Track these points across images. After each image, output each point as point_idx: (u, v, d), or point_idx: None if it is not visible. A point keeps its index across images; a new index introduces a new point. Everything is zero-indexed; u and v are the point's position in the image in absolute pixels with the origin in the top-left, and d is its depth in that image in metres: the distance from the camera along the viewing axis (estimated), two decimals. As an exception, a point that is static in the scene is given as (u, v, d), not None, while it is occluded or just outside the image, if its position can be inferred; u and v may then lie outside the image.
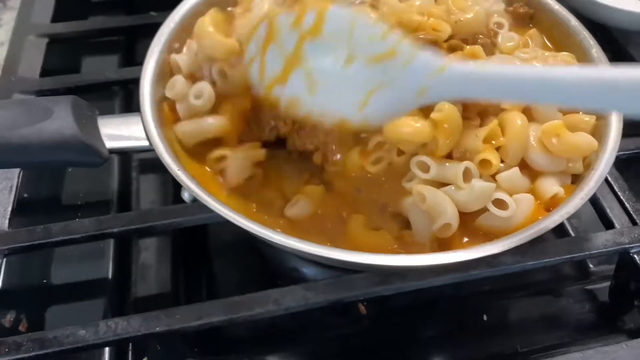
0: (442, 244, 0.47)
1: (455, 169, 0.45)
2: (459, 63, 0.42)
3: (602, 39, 0.71)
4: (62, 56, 0.76)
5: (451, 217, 0.45)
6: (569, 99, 0.38)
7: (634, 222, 0.54)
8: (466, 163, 0.45)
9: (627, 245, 0.51)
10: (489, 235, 0.45)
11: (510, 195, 0.46)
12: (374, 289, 0.48)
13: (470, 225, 0.47)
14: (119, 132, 0.48)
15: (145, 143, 0.48)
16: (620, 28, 0.77)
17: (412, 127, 0.45)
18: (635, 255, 0.51)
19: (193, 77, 0.53)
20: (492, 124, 0.47)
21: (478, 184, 0.45)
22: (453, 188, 0.46)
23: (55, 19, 0.76)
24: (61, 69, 0.72)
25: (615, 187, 0.56)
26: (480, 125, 0.48)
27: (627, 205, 0.55)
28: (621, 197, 0.55)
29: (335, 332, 0.56)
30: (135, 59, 0.77)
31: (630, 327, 0.55)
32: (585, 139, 0.49)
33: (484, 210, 0.46)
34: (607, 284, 0.58)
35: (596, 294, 0.59)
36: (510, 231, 0.45)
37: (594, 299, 0.59)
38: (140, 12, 0.79)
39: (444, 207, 0.45)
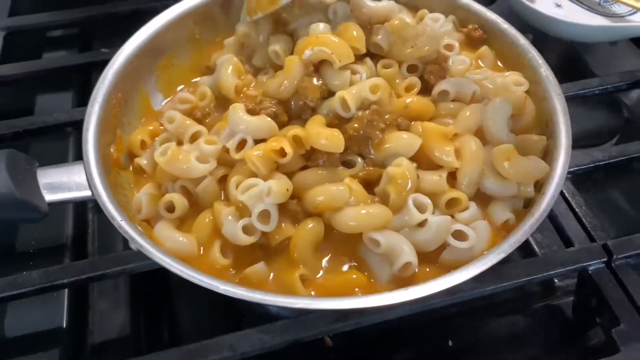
0: (404, 280, 0.46)
1: (406, 212, 0.45)
2: None
3: (562, 52, 0.72)
4: (13, 97, 0.74)
5: (410, 255, 0.44)
6: None
7: (591, 239, 0.54)
8: (415, 196, 0.45)
9: (585, 264, 0.51)
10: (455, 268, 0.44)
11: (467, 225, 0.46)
12: (332, 326, 0.47)
13: (435, 263, 0.46)
14: (60, 183, 0.47)
15: (88, 193, 0.46)
16: (576, 41, 0.78)
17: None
18: (593, 273, 0.51)
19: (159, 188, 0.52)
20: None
21: (434, 219, 0.45)
22: (408, 230, 0.46)
23: (6, 58, 0.74)
24: (12, 109, 0.70)
25: (572, 204, 0.56)
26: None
27: (585, 222, 0.55)
28: (578, 214, 0.55)
29: (303, 367, 0.55)
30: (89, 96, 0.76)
31: (594, 343, 0.55)
32: (536, 164, 0.48)
33: (445, 246, 0.46)
34: (571, 298, 0.57)
35: (562, 309, 0.59)
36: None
37: (560, 314, 0.58)
38: (93, 48, 0.78)
39: (400, 247, 0.44)
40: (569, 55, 0.82)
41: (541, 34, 0.75)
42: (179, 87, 0.62)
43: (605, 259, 0.52)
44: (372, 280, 0.46)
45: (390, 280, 0.45)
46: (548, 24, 0.75)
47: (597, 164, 0.59)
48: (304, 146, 0.48)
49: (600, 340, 0.54)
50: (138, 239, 0.44)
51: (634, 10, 0.74)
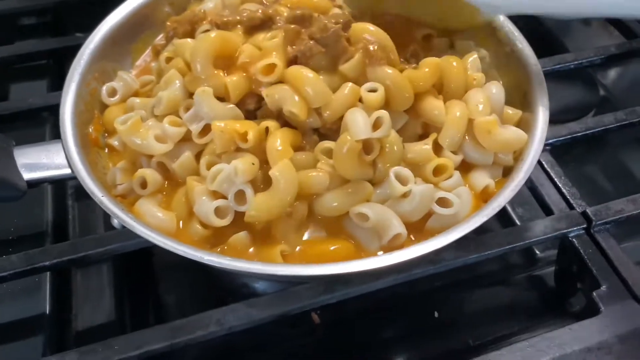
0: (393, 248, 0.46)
1: (388, 185, 0.45)
2: None
3: (536, 29, 0.73)
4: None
5: (399, 227, 0.44)
6: None
7: (571, 207, 0.55)
8: (396, 169, 0.45)
9: (566, 230, 0.52)
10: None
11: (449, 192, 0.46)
12: (318, 298, 0.47)
13: (421, 231, 0.46)
14: (39, 162, 0.46)
15: (67, 171, 0.46)
16: (552, 18, 0.78)
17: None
18: (574, 240, 0.52)
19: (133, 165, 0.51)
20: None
21: (417, 188, 0.45)
22: (391, 201, 0.46)
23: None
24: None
25: (551, 174, 0.57)
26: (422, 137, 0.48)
27: (564, 191, 0.56)
28: (557, 183, 0.56)
29: (290, 343, 0.55)
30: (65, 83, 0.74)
31: (576, 309, 0.56)
32: (516, 134, 0.49)
33: (430, 214, 0.46)
34: (553, 268, 0.58)
35: (544, 279, 0.60)
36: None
37: (542, 284, 0.59)
38: (67, 33, 0.76)
39: (389, 219, 0.44)
40: (545, 36, 0.83)
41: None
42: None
43: (585, 226, 0.52)
44: (361, 251, 0.46)
45: (378, 251, 0.45)
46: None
47: (575, 135, 0.60)
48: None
49: (581, 306, 0.55)
50: (120, 214, 0.43)
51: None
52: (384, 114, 0.45)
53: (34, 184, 0.46)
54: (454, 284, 0.59)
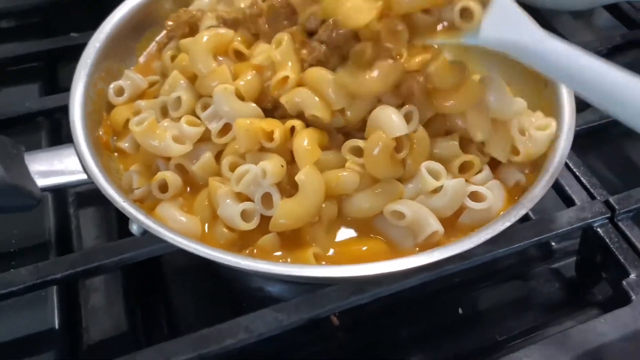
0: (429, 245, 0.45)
1: (420, 178, 0.44)
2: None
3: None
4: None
5: (436, 225, 0.43)
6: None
7: (592, 197, 0.54)
8: (427, 164, 0.44)
9: (590, 220, 0.52)
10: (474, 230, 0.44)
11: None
12: (348, 299, 0.46)
13: (453, 227, 0.45)
14: (51, 168, 0.43)
15: (83, 176, 0.43)
16: (550, 9, 0.79)
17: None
18: (598, 229, 0.52)
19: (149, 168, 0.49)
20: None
21: (449, 183, 0.44)
22: (423, 197, 0.44)
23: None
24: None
25: (570, 164, 0.57)
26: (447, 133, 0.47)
27: (584, 181, 0.55)
28: (577, 174, 0.56)
29: (311, 349, 0.53)
30: (58, 86, 0.71)
31: (600, 299, 0.55)
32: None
33: (463, 209, 0.45)
34: (570, 259, 0.58)
35: (562, 271, 0.59)
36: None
37: (561, 276, 0.59)
38: (58, 34, 0.73)
39: (425, 217, 0.43)
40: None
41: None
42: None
43: (608, 215, 0.52)
44: (394, 250, 0.44)
45: (414, 249, 0.44)
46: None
47: (591, 125, 0.59)
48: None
49: (606, 296, 0.55)
50: (144, 220, 0.41)
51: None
52: (412, 108, 0.44)
53: (48, 190, 0.43)
54: (473, 280, 0.58)
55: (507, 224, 0.41)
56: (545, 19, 0.82)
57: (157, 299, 0.56)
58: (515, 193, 0.47)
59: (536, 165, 0.48)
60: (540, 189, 0.43)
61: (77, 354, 0.51)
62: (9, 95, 0.71)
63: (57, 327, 0.52)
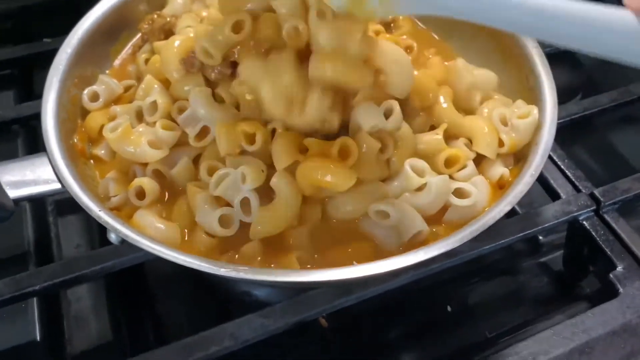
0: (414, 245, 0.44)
1: (404, 176, 0.44)
2: None
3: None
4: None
5: (421, 224, 0.43)
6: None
7: (577, 190, 0.54)
8: (411, 161, 0.43)
9: (576, 213, 0.51)
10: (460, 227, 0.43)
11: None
12: (335, 302, 0.45)
13: (439, 223, 0.45)
14: (24, 178, 0.42)
15: (57, 185, 0.42)
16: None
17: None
18: (584, 222, 0.52)
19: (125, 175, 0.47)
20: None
21: (433, 180, 0.43)
22: (408, 195, 0.44)
23: None
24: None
25: (554, 157, 0.56)
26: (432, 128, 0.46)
27: (568, 174, 0.55)
28: (562, 167, 0.56)
29: (299, 352, 0.53)
30: (34, 92, 0.70)
31: (588, 292, 0.55)
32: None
33: (448, 206, 0.45)
34: (558, 253, 0.58)
35: (550, 265, 0.59)
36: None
37: (549, 270, 0.59)
38: (32, 40, 0.71)
39: (411, 217, 0.42)
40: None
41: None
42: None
43: (594, 207, 0.52)
44: (380, 251, 0.44)
45: (399, 249, 0.43)
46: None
47: (573, 117, 0.59)
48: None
49: (594, 289, 0.55)
50: (121, 229, 0.40)
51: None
52: (393, 103, 0.43)
53: (21, 201, 0.42)
54: (460, 276, 0.58)
55: (491, 221, 0.41)
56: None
57: (142, 307, 0.56)
58: (499, 188, 0.46)
59: (519, 158, 0.48)
60: (524, 183, 0.43)
61: (60, 366, 0.50)
62: (-16, 103, 0.70)
63: (38, 339, 0.50)
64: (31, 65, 0.71)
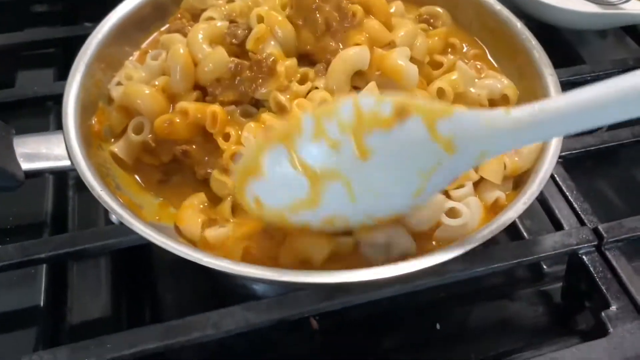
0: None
1: None
2: (519, 109, 0.37)
3: (553, 40, 0.72)
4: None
5: (408, 247, 0.43)
6: None
7: (582, 223, 0.53)
8: None
9: (576, 247, 0.51)
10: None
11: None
12: (318, 305, 0.46)
13: (429, 240, 0.45)
14: (38, 152, 0.45)
15: (67, 163, 0.44)
16: (568, 28, 0.77)
17: None
18: (583, 257, 0.51)
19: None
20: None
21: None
22: None
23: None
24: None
25: (563, 187, 0.56)
26: None
27: (575, 205, 0.54)
28: (569, 197, 0.55)
29: (287, 350, 0.54)
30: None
31: (583, 327, 0.54)
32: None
33: (438, 225, 0.45)
34: (559, 285, 0.57)
35: (551, 295, 0.58)
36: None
37: (548, 300, 0.58)
38: (77, 23, 0.75)
39: (399, 237, 0.43)
40: (561, 47, 0.81)
41: (533, 22, 0.75)
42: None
43: (595, 243, 0.51)
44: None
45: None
46: (539, 10, 0.74)
47: (589, 149, 0.58)
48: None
49: (589, 324, 0.54)
50: (118, 210, 0.42)
51: (627, -3, 0.73)
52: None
53: (32, 174, 0.44)
54: (457, 296, 0.57)
55: (470, 246, 0.41)
56: (566, 39, 0.81)
57: (143, 287, 0.58)
58: (493, 211, 0.46)
59: (518, 183, 0.48)
60: (514, 211, 0.42)
61: (59, 333, 0.53)
62: (26, 78, 0.74)
63: (42, 304, 0.53)
64: (73, 46, 0.74)
